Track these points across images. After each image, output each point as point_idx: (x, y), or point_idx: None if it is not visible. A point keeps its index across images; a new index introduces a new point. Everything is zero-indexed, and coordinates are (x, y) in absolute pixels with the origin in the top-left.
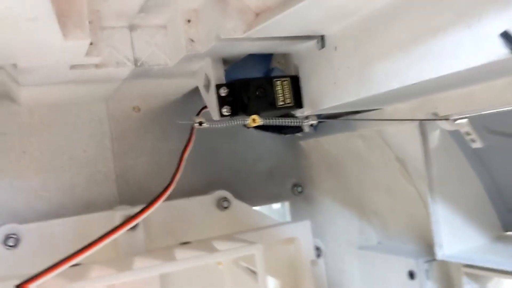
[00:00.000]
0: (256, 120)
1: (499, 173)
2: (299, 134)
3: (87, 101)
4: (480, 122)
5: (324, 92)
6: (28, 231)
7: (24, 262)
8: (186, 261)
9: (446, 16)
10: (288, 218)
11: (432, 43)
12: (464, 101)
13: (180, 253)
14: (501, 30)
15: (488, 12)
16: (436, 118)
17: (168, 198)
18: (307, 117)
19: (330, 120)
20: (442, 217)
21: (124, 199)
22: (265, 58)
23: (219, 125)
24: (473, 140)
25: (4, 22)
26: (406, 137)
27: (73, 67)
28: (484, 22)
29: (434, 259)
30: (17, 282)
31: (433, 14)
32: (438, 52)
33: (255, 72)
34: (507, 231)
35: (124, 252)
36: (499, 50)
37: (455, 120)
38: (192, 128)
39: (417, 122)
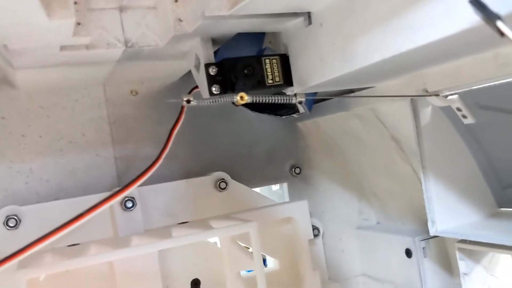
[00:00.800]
0: (244, 97)
1: (493, 149)
2: (295, 115)
3: (85, 85)
4: (471, 98)
5: (312, 69)
6: (28, 212)
7: (24, 242)
8: (182, 238)
9: None
10: (287, 199)
11: (408, 15)
12: (451, 76)
13: (177, 232)
14: None
15: None
16: (426, 94)
17: (166, 179)
18: (295, 95)
19: (322, 98)
20: (434, 194)
21: (123, 182)
22: (258, 37)
23: (207, 103)
24: (464, 116)
25: None
26: (398, 115)
27: (63, 48)
28: None
29: (430, 237)
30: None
31: None
32: (413, 24)
33: (247, 52)
34: (501, 207)
35: (123, 232)
36: (471, 17)
37: (446, 96)
38: (182, 107)
39: (408, 99)
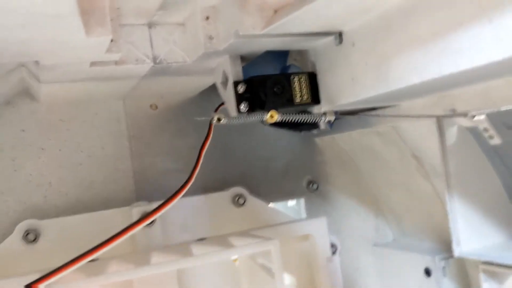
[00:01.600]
0: (274, 116)
1: None
2: (314, 131)
3: (105, 99)
4: (498, 118)
5: (342, 88)
6: (47, 226)
7: (43, 257)
8: (204, 256)
9: (466, 10)
10: (303, 215)
11: (452, 37)
12: (481, 97)
13: (196, 248)
14: None
15: (510, 5)
16: (454, 114)
17: (185, 195)
18: (324, 113)
19: (346, 115)
20: (459, 214)
21: (141, 196)
22: (282, 55)
23: (237, 121)
24: (491, 137)
25: (28, 19)
26: (422, 134)
27: (93, 64)
28: (506, 16)
29: (451, 256)
30: (36, 276)
31: (453, 9)
32: (458, 47)
33: (271, 69)
34: None
35: (141, 247)
36: None
37: (473, 116)
38: (211, 124)
39: (434, 119)
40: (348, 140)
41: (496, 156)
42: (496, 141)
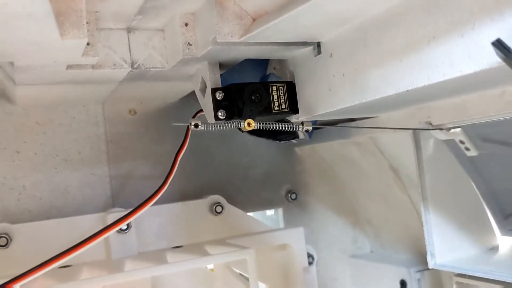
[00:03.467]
0: (251, 124)
1: (495, 180)
2: (294, 141)
3: (83, 103)
4: (474, 131)
5: (319, 99)
6: (19, 231)
7: (15, 262)
8: (178, 264)
9: (439, 24)
10: (281, 224)
11: (426, 51)
12: (457, 110)
13: (172, 256)
14: (494, 39)
15: (482, 20)
16: (430, 127)
17: (162, 202)
18: (302, 123)
19: (325, 126)
20: (434, 226)
21: (118, 202)
22: (262, 64)
23: (214, 128)
24: (467, 149)
25: (1, 18)
26: (399, 146)
27: (69, 67)
28: (478, 31)
29: (426, 269)
30: (3, 281)
31: (427, 23)
32: (431, 60)
33: (251, 78)
34: (503, 235)
35: (116, 254)
36: (491, 58)
37: (449, 129)
38: (187, 130)
39: (410, 131)
40: (328, 150)
41: (472, 168)
42: (472, 153)
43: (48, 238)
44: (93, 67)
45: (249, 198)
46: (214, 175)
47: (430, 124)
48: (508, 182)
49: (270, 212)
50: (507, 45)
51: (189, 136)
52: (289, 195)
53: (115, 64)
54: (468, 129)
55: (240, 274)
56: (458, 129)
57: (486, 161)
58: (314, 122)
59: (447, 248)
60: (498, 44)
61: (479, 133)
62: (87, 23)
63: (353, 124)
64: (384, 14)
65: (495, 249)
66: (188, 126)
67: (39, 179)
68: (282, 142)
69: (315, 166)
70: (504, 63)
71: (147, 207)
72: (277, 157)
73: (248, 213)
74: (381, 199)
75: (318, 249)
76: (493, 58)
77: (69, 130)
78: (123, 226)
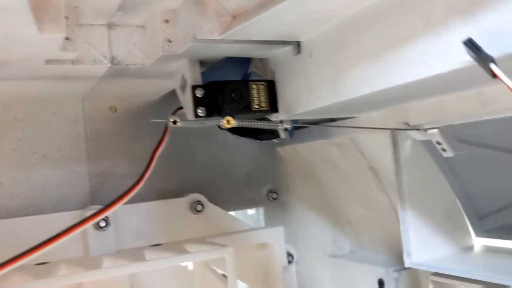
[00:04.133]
0: (230, 121)
1: (470, 181)
2: (275, 141)
3: (63, 99)
4: (450, 132)
5: (299, 97)
6: None
7: None
8: (156, 261)
9: (414, 25)
10: (262, 224)
11: (401, 50)
12: (434, 111)
13: (150, 254)
14: (465, 38)
15: (455, 21)
16: (407, 128)
17: (141, 200)
18: (281, 121)
19: (305, 126)
20: (411, 226)
21: (97, 200)
22: (244, 62)
23: (193, 125)
24: (444, 150)
25: None
26: (378, 146)
27: (48, 62)
28: (451, 31)
29: (403, 268)
30: None
31: (402, 23)
32: (406, 60)
33: (232, 76)
34: (478, 236)
35: (94, 252)
36: (463, 57)
37: (426, 130)
38: (166, 127)
39: (389, 131)
40: (309, 150)
41: (448, 167)
42: (448, 153)
43: (26, 235)
44: (72, 62)
45: (230, 198)
46: (195, 174)
47: (408, 124)
48: (483, 184)
49: (251, 212)
50: (477, 44)
51: (167, 133)
52: (270, 194)
53: (95, 60)
54: (445, 130)
55: (219, 273)
56: (435, 130)
57: (462, 162)
58: (295, 122)
59: (423, 247)
60: (469, 44)
61: (455, 134)
62: (66, 18)
63: (334, 124)
64: (362, 14)
65: (470, 249)
66: (167, 122)
67: (17, 176)
68: (263, 141)
69: (296, 167)
70: (475, 62)
71: (124, 200)
72: (259, 157)
73: (229, 212)
74: (361, 200)
75: (298, 248)
76: (465, 57)
77: (48, 126)
78: (102, 223)
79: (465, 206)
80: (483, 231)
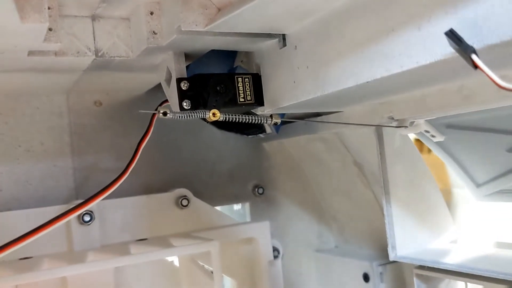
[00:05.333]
0: (216, 114)
1: (464, 156)
2: (262, 136)
3: (47, 93)
4: (437, 120)
5: (284, 91)
6: None
7: None
8: (141, 255)
9: (397, 17)
10: (248, 219)
11: (384, 43)
12: (417, 104)
13: (135, 248)
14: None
15: (437, 13)
16: (393, 122)
17: (126, 195)
18: (271, 116)
19: (291, 120)
20: (395, 219)
21: (81, 195)
22: (229, 55)
23: (181, 117)
24: (433, 136)
25: None
26: (363, 140)
27: (31, 53)
28: (433, 23)
29: (388, 262)
30: None
31: (385, 15)
32: (389, 52)
33: (218, 70)
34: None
35: (78, 247)
36: (445, 49)
37: (412, 123)
38: (152, 119)
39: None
40: (295, 146)
41: (441, 148)
42: (438, 139)
43: (9, 230)
44: (55, 54)
45: (216, 192)
46: (181, 169)
47: (393, 118)
48: (477, 158)
49: (237, 207)
50: (459, 35)
51: (153, 125)
52: (256, 189)
53: (78, 52)
54: (432, 119)
55: (205, 267)
56: (421, 121)
57: (453, 143)
58: (281, 116)
59: (408, 240)
60: (451, 34)
61: (442, 121)
62: (49, 8)
63: (318, 118)
64: (345, 7)
65: (454, 242)
66: (153, 115)
67: (0, 170)
68: (249, 136)
69: (282, 162)
70: (457, 54)
71: (109, 192)
72: (245, 151)
73: (215, 207)
74: (346, 195)
75: (284, 243)
76: (448, 49)
77: (32, 120)
78: (86, 217)
79: (462, 176)
80: (483, 196)
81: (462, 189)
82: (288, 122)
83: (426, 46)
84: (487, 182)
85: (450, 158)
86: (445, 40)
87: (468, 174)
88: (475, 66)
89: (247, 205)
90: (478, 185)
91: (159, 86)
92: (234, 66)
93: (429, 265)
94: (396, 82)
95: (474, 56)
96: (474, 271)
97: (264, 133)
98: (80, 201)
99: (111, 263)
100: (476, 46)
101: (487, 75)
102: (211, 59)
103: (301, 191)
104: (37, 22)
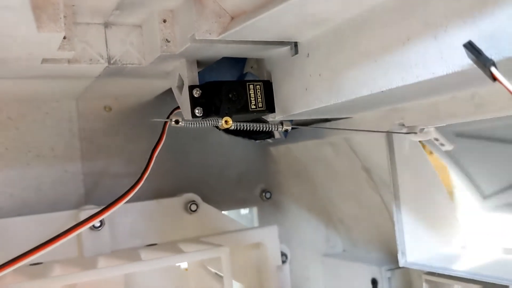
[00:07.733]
0: (228, 121)
1: (472, 166)
2: (269, 140)
3: (57, 99)
4: (447, 128)
5: (296, 98)
6: None
7: None
8: (152, 262)
9: (413, 26)
10: (256, 223)
11: (400, 52)
12: (429, 111)
13: (145, 254)
14: (465, 41)
15: (454, 23)
16: (403, 129)
17: (136, 199)
18: (281, 122)
19: (301, 127)
20: (406, 225)
21: (91, 200)
22: (240, 62)
23: (194, 125)
24: (442, 144)
25: None
26: (372, 146)
27: (45, 60)
28: (450, 33)
29: (397, 267)
30: None
31: (401, 25)
32: (405, 61)
33: (228, 76)
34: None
35: (88, 252)
36: (463, 60)
37: (422, 130)
38: (164, 127)
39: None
40: (302, 150)
41: (449, 157)
42: (447, 147)
43: (20, 235)
44: (69, 61)
45: (223, 197)
46: (189, 174)
47: (403, 125)
48: (484, 169)
49: (244, 211)
50: (478, 47)
51: (165, 132)
52: (263, 194)
53: (91, 59)
54: (441, 127)
55: (215, 273)
56: (431, 128)
57: (461, 152)
58: (290, 122)
59: (417, 247)
60: (470, 46)
61: (452, 129)
62: (64, 17)
63: (327, 125)
64: (360, 16)
65: (465, 248)
66: (165, 122)
67: (10, 175)
68: (257, 141)
69: (289, 166)
70: (475, 65)
71: (121, 204)
72: (252, 156)
73: (223, 212)
74: (354, 199)
75: (291, 248)
76: (465, 60)
77: (42, 126)
78: (96, 223)
79: (469, 186)
80: (489, 208)
81: (463, 192)
82: (298, 127)
83: (443, 57)
84: (495, 193)
85: (457, 168)
86: (462, 51)
87: (475, 184)
88: (494, 79)
89: (254, 209)
90: (485, 196)
91: (168, 91)
92: (244, 73)
93: (439, 272)
94: (410, 91)
95: (493, 69)
96: (484, 278)
97: (273, 138)
98: (89, 206)
99: (122, 269)
100: (494, 58)
101: (507, 88)
102: (221, 65)
103: (309, 195)
104: (53, 31)
